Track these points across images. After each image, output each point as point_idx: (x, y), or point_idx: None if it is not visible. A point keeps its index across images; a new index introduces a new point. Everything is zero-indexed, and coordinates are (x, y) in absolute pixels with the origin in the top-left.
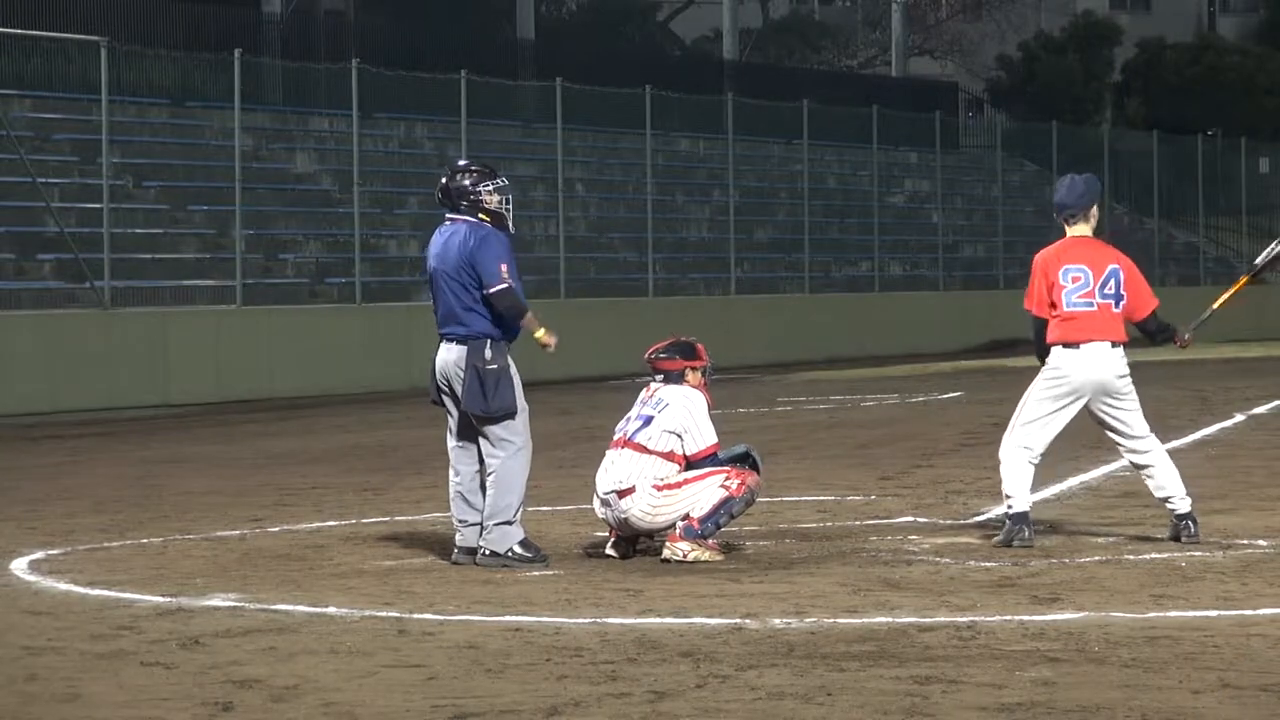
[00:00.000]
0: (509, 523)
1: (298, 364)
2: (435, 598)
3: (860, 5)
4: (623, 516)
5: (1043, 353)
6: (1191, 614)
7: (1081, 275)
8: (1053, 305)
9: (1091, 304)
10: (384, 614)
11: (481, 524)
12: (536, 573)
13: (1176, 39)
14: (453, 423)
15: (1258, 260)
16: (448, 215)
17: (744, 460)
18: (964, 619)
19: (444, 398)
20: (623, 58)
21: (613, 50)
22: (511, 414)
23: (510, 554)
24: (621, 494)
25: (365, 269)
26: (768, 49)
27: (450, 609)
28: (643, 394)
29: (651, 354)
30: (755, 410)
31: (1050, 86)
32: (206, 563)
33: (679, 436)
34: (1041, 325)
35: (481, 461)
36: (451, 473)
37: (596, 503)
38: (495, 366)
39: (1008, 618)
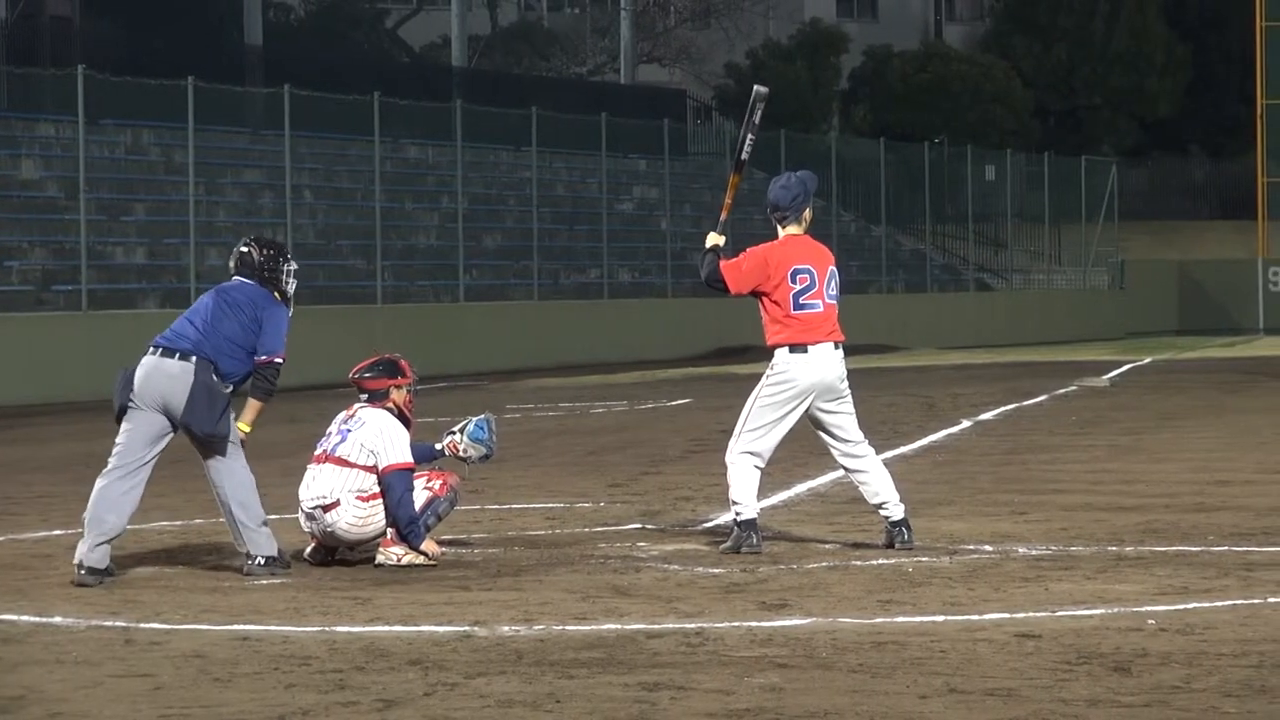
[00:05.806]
0: (265, 523)
1: (23, 372)
2: (162, 606)
3: (589, 12)
4: (329, 529)
5: (711, 276)
6: (918, 619)
7: (808, 276)
8: (777, 304)
9: (819, 305)
10: (111, 623)
11: (245, 548)
12: (264, 581)
13: (903, 47)
14: (133, 438)
15: (743, 155)
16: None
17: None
18: (692, 625)
19: (142, 410)
20: (351, 64)
21: (341, 56)
22: (228, 437)
23: (279, 556)
24: (326, 508)
25: (91, 276)
26: (496, 56)
27: (177, 618)
28: (343, 414)
29: (356, 373)
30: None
31: (778, 94)
32: None
33: (374, 454)
34: (718, 278)
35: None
36: (106, 483)
37: (301, 516)
38: (224, 390)
39: (736, 624)
